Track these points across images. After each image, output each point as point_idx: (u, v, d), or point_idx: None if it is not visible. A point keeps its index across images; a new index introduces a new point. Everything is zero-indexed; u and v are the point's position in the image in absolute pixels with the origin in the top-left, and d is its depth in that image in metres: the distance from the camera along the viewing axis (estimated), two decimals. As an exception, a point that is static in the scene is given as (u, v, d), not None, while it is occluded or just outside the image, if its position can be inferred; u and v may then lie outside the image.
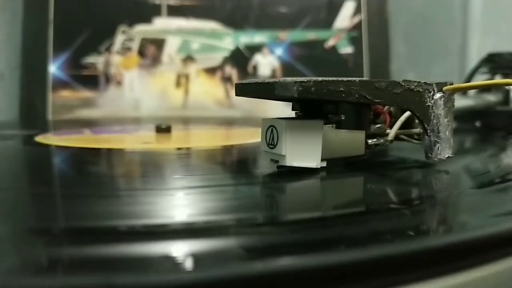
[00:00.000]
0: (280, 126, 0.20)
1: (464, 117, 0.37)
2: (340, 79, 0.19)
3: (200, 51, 0.55)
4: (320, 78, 0.19)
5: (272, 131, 0.20)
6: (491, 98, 0.37)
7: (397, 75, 0.55)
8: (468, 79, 0.39)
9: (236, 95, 0.21)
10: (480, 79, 0.38)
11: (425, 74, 0.56)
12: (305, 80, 0.18)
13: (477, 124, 0.38)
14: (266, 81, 0.20)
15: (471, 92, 0.38)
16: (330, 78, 0.19)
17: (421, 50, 0.57)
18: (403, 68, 0.57)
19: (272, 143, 0.20)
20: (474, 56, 0.50)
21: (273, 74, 0.55)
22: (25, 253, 0.11)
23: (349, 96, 0.19)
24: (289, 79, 0.19)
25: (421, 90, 0.20)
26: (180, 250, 0.12)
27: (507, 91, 0.38)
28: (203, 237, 0.13)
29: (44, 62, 0.52)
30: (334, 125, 0.21)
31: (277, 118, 0.20)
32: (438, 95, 0.21)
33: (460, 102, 0.34)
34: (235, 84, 0.21)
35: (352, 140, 0.21)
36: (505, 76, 0.37)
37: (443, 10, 0.56)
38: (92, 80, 0.53)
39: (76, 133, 0.39)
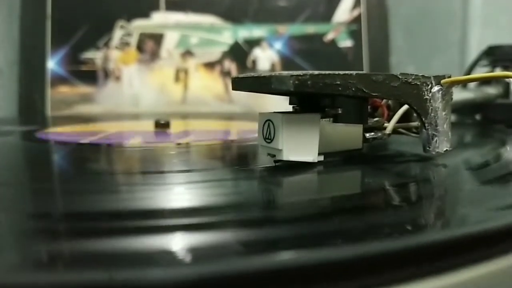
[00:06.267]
0: (277, 120, 0.20)
1: (464, 110, 0.37)
2: (336, 72, 0.19)
3: (199, 45, 0.55)
4: (316, 72, 0.18)
5: (269, 125, 0.20)
6: (491, 91, 0.37)
7: (397, 69, 0.55)
8: (468, 72, 0.38)
9: (233, 89, 0.21)
10: (480, 72, 0.38)
11: (425, 67, 0.56)
12: (302, 74, 0.18)
13: (477, 117, 0.38)
14: (263, 75, 0.19)
15: (471, 85, 0.38)
16: (327, 72, 0.19)
17: (421, 43, 0.57)
18: (403, 61, 0.57)
19: (269, 137, 0.20)
20: (474, 49, 0.50)
21: (273, 68, 0.54)
22: (25, 249, 0.11)
23: (346, 89, 0.19)
24: (285, 72, 0.19)
25: (418, 83, 0.20)
26: (179, 245, 0.12)
27: (507, 84, 0.38)
28: (201, 232, 0.13)
29: (43, 57, 0.52)
30: (331, 119, 0.21)
31: (274, 112, 0.20)
32: (436, 88, 0.20)
33: (460, 95, 0.34)
34: (232, 78, 0.21)
35: (349, 134, 0.21)
36: (506, 68, 0.37)
37: (443, 3, 0.56)
38: (90, 76, 0.53)
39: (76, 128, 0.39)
